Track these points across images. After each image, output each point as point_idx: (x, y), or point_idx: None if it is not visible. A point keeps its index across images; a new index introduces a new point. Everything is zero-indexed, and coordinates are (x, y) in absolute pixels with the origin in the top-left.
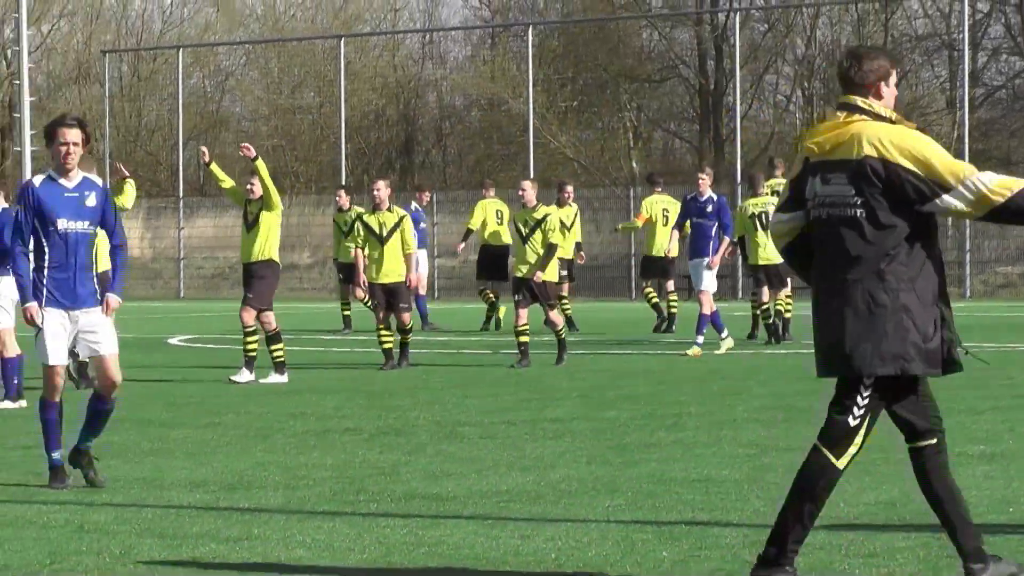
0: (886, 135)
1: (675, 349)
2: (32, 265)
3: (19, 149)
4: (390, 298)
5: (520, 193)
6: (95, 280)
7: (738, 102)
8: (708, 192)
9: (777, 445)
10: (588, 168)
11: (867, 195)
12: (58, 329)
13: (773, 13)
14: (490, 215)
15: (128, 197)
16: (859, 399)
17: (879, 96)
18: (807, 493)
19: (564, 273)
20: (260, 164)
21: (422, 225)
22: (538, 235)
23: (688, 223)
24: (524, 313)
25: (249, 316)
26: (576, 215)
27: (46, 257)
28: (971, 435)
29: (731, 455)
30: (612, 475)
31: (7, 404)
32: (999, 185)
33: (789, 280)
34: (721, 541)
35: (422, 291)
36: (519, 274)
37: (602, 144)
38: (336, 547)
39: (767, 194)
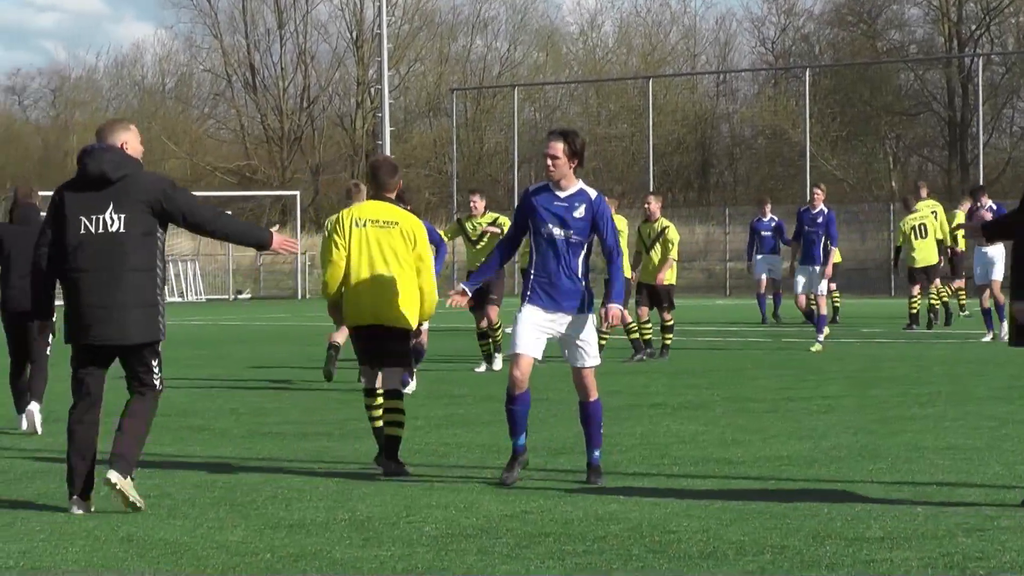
0: None
1: (928, 339)
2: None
3: None
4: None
5: (645, 207)
6: (582, 288)
7: (981, 132)
8: (820, 205)
9: (1014, 418)
10: (855, 187)
11: None
12: (531, 324)
13: (1010, 57)
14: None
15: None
16: None
17: None
18: None
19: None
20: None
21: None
22: (659, 245)
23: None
24: (644, 311)
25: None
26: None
27: (535, 258)
28: None
29: (974, 427)
30: (875, 443)
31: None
32: None
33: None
34: (966, 499)
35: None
36: (643, 279)
37: (866, 167)
38: (643, 502)
39: (922, 212)
